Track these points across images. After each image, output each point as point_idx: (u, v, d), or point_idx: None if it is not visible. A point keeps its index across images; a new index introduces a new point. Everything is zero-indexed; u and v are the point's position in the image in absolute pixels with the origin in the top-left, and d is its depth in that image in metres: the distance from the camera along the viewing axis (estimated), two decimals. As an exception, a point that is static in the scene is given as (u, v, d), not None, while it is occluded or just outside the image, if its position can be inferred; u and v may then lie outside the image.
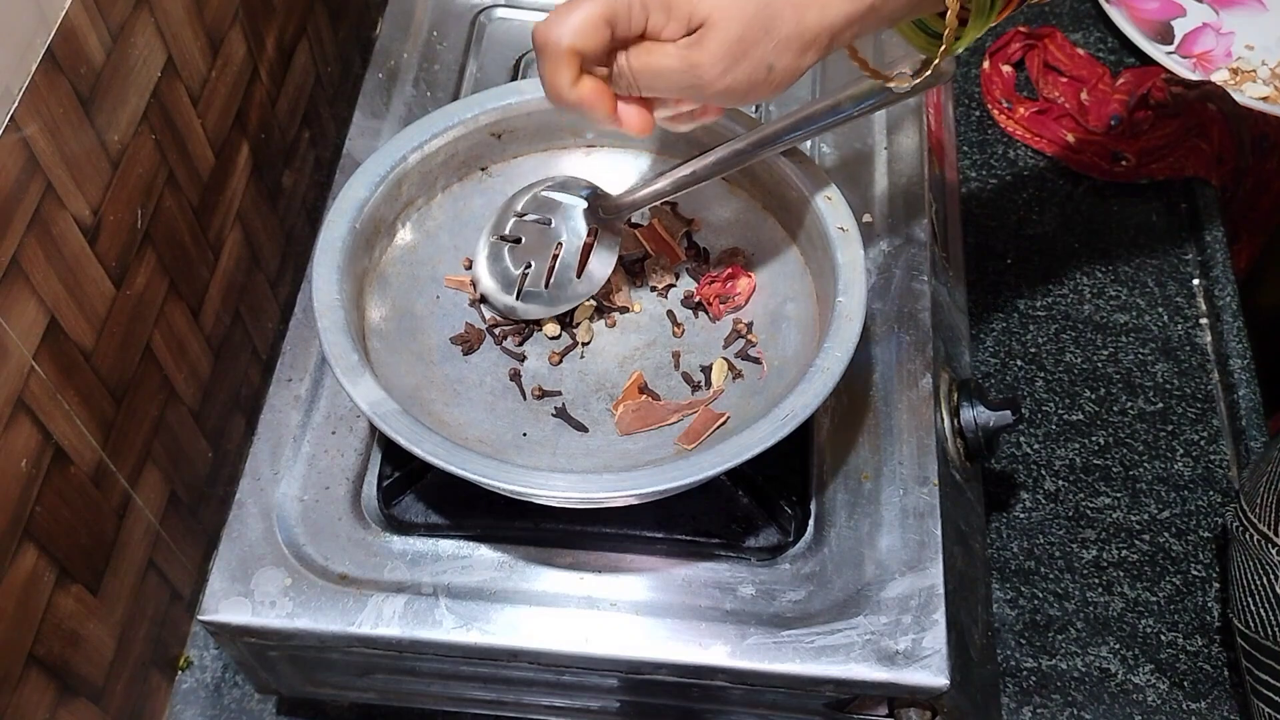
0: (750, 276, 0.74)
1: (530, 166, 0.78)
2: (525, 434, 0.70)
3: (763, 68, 0.57)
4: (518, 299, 0.72)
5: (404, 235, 0.74)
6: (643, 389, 0.71)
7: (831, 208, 0.70)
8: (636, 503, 0.64)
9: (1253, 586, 0.76)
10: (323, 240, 0.68)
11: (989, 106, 1.13)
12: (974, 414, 0.75)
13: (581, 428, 0.70)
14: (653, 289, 0.76)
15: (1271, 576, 0.75)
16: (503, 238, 0.73)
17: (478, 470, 0.60)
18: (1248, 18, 1.20)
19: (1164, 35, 1.18)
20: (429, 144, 0.73)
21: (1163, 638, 0.85)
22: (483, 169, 0.77)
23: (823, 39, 0.58)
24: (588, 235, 0.71)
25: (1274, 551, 0.75)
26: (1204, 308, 1.01)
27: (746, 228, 0.76)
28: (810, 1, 0.57)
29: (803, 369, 0.64)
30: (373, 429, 0.72)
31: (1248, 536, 0.77)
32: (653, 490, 0.61)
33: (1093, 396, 0.96)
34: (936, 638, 0.65)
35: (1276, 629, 0.75)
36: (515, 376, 0.72)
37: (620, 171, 0.78)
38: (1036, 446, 0.94)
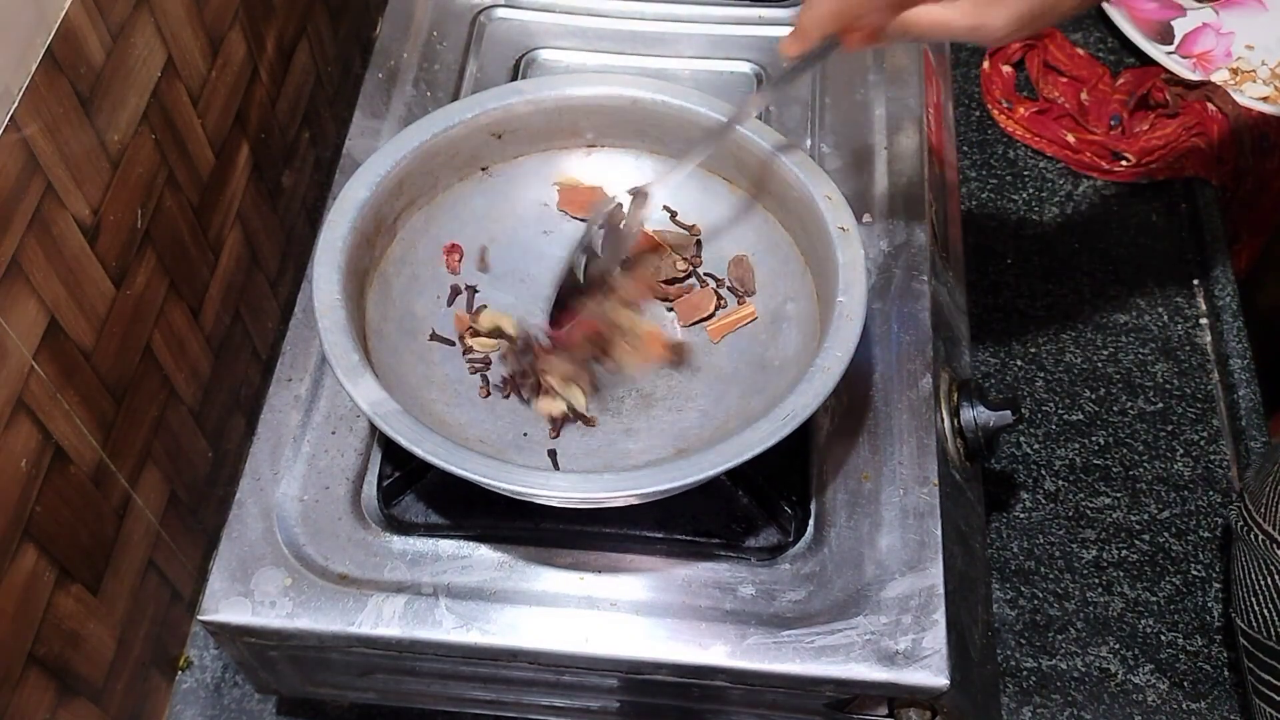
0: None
1: (531, 166, 0.78)
2: (525, 434, 0.70)
3: (1035, 27, 0.63)
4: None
5: (404, 235, 0.74)
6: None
7: (831, 208, 0.70)
8: (637, 503, 0.64)
9: (1257, 586, 0.76)
10: (323, 240, 0.68)
11: (989, 106, 1.13)
12: (974, 414, 0.75)
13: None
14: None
15: (1277, 577, 0.75)
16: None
17: (478, 470, 0.60)
18: (1248, 18, 1.20)
19: (1164, 35, 1.18)
20: (429, 144, 0.73)
21: (1163, 638, 0.85)
22: (483, 169, 0.77)
23: None
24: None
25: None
26: (1204, 308, 1.01)
27: (747, 228, 0.76)
28: None
29: (803, 369, 0.64)
30: (373, 429, 0.72)
31: (1253, 536, 0.76)
32: (653, 490, 0.61)
33: (1093, 396, 0.96)
34: (936, 638, 0.65)
35: None
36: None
37: (620, 171, 0.78)
38: (1036, 446, 0.94)
